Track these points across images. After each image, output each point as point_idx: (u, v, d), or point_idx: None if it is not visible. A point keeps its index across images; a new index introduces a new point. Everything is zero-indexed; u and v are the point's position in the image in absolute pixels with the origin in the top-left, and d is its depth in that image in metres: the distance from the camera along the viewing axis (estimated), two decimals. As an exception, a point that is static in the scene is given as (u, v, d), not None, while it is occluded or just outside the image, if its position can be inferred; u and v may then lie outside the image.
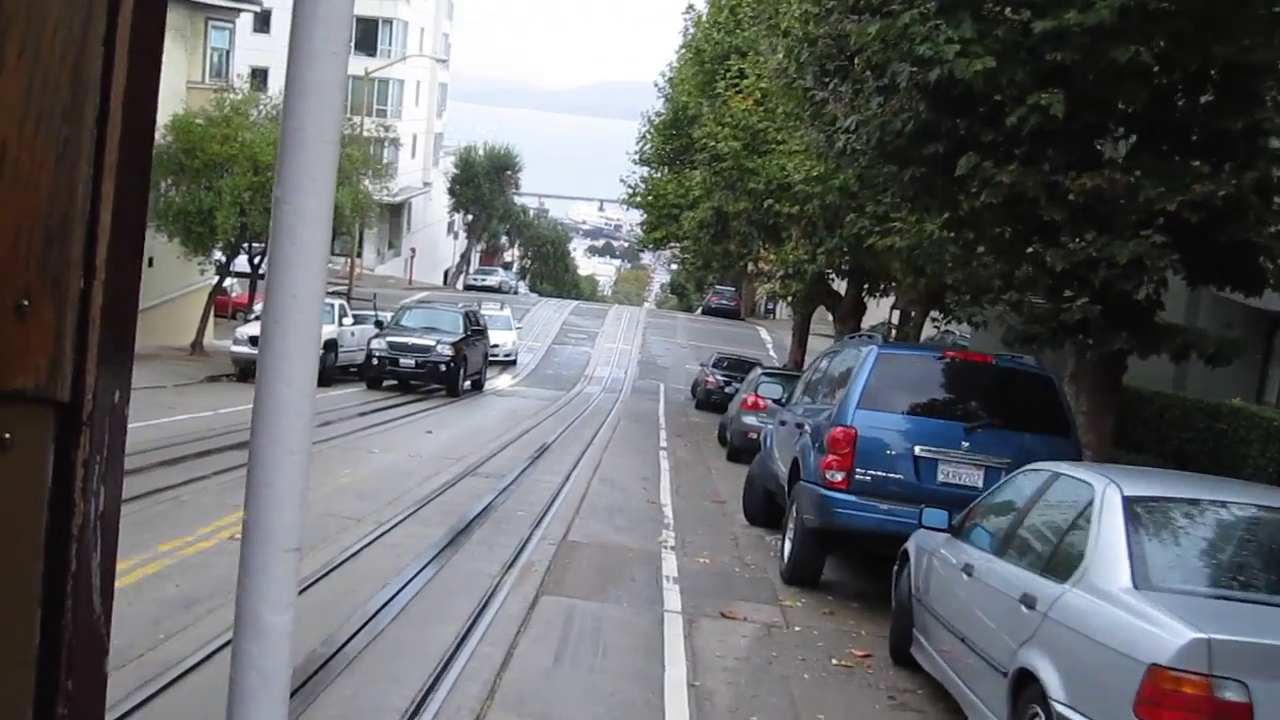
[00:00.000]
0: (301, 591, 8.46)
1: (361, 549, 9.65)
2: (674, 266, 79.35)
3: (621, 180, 39.88)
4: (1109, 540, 5.08)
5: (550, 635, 7.72)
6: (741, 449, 19.66)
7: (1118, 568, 4.91)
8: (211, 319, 31.36)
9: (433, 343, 26.07)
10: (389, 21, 61.37)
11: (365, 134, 40.42)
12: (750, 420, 19.65)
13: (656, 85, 39.91)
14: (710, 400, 29.33)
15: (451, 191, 71.92)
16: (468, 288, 65.42)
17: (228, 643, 6.92)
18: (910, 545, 8.06)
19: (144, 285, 1.15)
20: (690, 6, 34.17)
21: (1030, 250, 11.46)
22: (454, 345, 26.35)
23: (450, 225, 77.74)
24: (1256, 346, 15.73)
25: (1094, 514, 5.30)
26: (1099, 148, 11.15)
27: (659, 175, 37.58)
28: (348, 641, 7.17)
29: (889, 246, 18.20)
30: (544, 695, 6.55)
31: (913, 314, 27.98)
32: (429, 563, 9.46)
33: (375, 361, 26.18)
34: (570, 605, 8.51)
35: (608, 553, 10.68)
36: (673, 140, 35.82)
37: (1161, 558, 5.10)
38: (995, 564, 6.05)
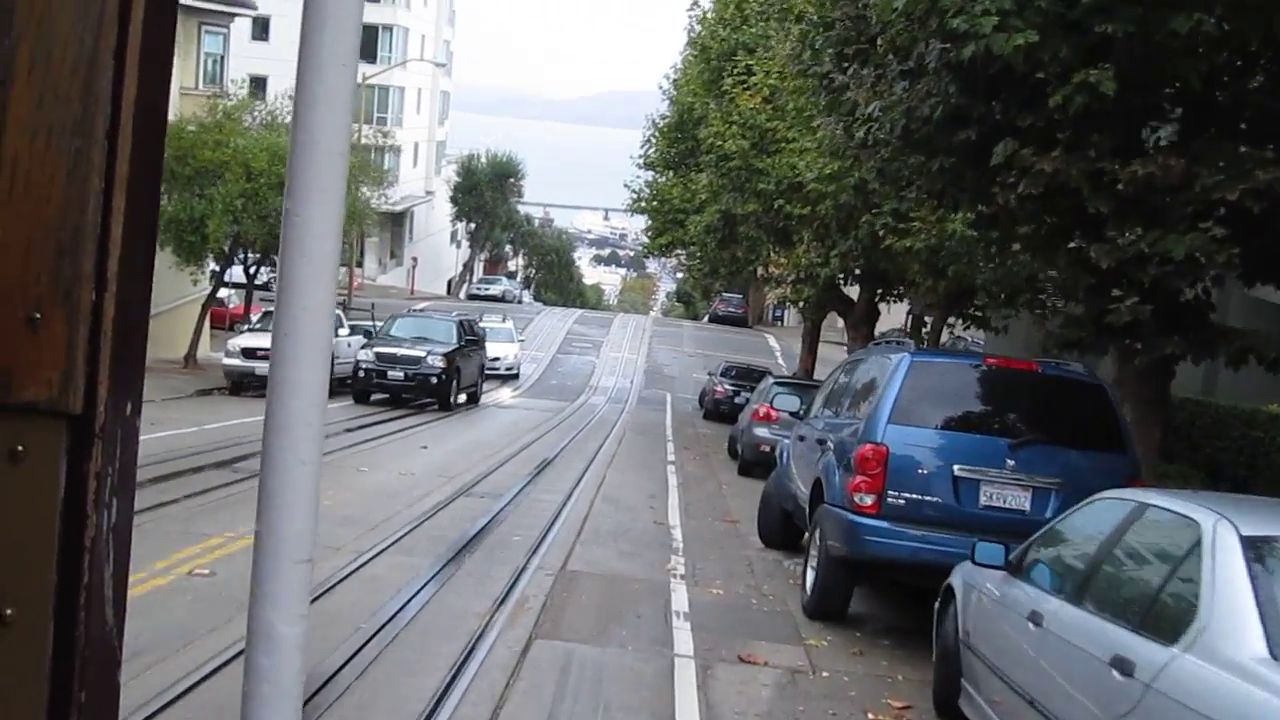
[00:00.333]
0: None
1: (335, 584, 8.65)
2: (680, 275, 78.51)
3: (625, 185, 38.97)
4: (1230, 594, 4.07)
5: (543, 690, 6.70)
6: (753, 462, 18.83)
7: (1246, 630, 3.90)
8: (208, 331, 30.55)
9: (423, 354, 24.32)
10: (389, 28, 60.61)
11: (364, 141, 39.66)
12: (762, 432, 18.75)
13: (661, 88, 39.03)
14: (719, 410, 28.56)
15: (454, 200, 70.98)
16: (471, 297, 64.55)
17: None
18: (955, 581, 7.06)
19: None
20: (695, 3, 33.25)
21: (1071, 246, 10.49)
22: (446, 356, 24.60)
23: (454, 234, 76.85)
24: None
25: (1204, 558, 4.29)
26: (1142, 135, 10.18)
27: (664, 179, 36.62)
28: (309, 699, 6.17)
29: (907, 248, 17.27)
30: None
31: (925, 320, 27.00)
32: (410, 599, 8.45)
33: (362, 374, 24.35)
34: (567, 651, 7.49)
35: (611, 584, 9.68)
36: (678, 144, 34.94)
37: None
38: (1071, 613, 5.04)
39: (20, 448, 0.95)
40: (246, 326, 30.09)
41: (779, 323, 64.39)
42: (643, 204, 37.72)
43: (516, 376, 35.97)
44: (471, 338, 27.48)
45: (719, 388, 29.40)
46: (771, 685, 7.27)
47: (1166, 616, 4.35)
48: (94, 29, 0.96)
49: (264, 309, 29.89)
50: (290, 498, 1.34)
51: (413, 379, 24.25)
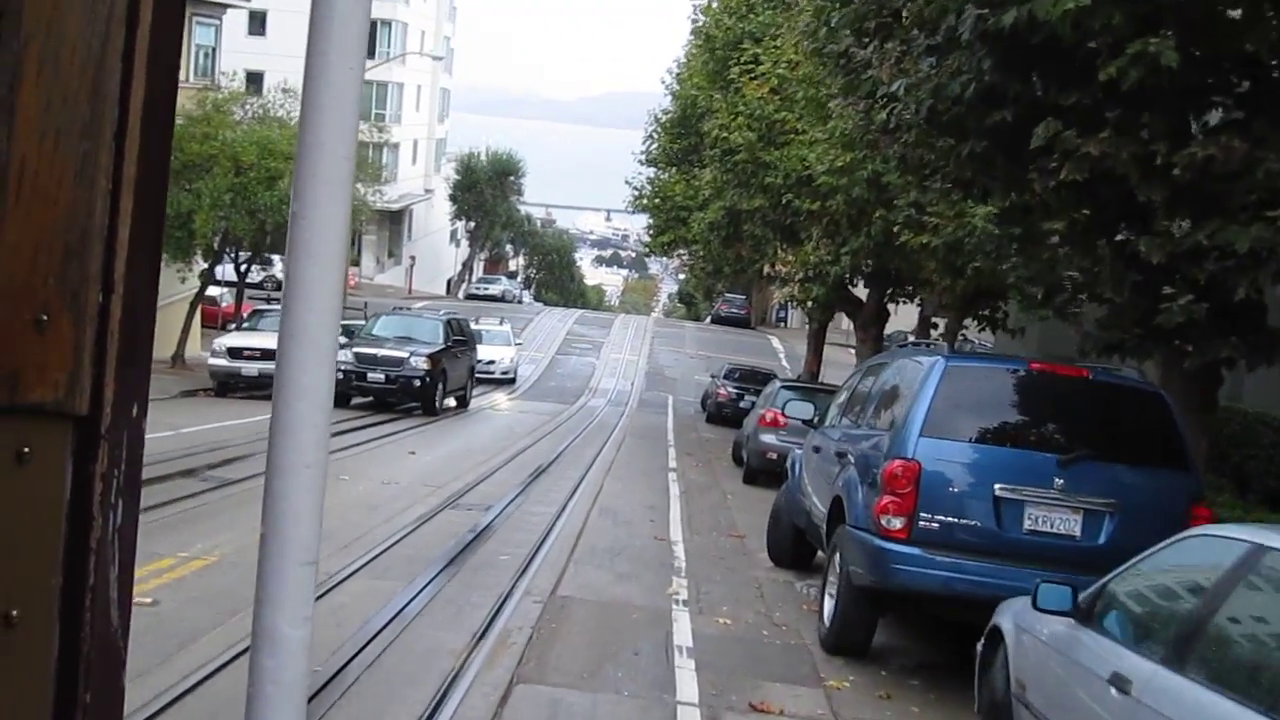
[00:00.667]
0: (200, 683, 6.50)
1: (295, 615, 7.67)
2: (682, 276, 77.64)
3: (627, 182, 38.00)
4: None
5: (523, 750, 5.74)
6: (759, 470, 17.92)
7: None
8: (198, 330, 29.62)
9: (405, 354, 22.70)
10: (388, 23, 59.64)
11: (361, 138, 38.77)
12: (769, 439, 17.80)
13: (663, 83, 38.09)
14: (722, 414, 27.63)
15: (453, 198, 69.98)
16: (469, 296, 63.56)
17: None
18: (1003, 622, 6.09)
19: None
20: (700, -8, 32.27)
21: (1118, 239, 9.53)
22: (430, 357, 22.96)
23: (453, 233, 75.87)
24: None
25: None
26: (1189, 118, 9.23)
27: (666, 176, 35.64)
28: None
29: (923, 244, 16.30)
30: None
31: (936, 321, 26.02)
32: (377, 634, 7.47)
33: (340, 375, 22.41)
34: (553, 700, 6.50)
35: (606, 612, 8.69)
36: (681, 139, 34.01)
37: None
38: (1173, 683, 4.06)
39: (26, 449, 0.94)
40: (234, 325, 29.19)
41: (782, 324, 63.45)
42: (644, 201, 36.75)
43: (513, 380, 34.71)
44: (460, 338, 25.87)
45: (722, 390, 28.47)
46: (789, 740, 6.29)
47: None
48: (102, 31, 0.97)
49: (253, 308, 28.96)
50: (296, 500, 1.34)
51: (394, 381, 22.67)
